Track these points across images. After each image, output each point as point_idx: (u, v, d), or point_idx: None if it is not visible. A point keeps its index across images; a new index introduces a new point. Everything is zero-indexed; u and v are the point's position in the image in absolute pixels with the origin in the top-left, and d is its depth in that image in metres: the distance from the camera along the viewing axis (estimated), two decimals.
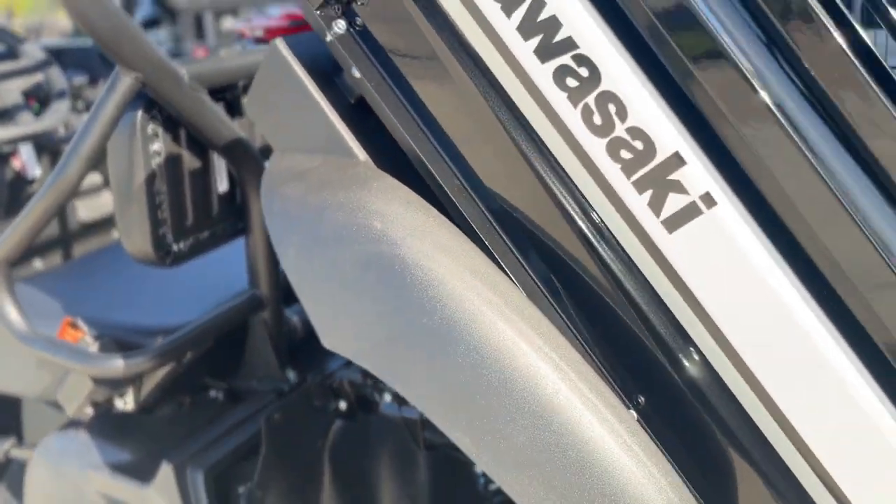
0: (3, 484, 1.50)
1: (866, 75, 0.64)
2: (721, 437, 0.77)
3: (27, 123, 1.77)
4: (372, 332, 0.78)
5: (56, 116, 1.82)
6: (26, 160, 1.91)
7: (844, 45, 0.64)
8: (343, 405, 1.33)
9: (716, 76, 0.66)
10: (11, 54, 1.91)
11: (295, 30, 1.99)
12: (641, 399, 0.79)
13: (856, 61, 0.64)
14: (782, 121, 0.65)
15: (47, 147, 1.95)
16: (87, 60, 2.17)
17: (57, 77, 1.90)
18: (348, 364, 1.35)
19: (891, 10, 0.71)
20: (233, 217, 1.32)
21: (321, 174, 0.82)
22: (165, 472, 1.23)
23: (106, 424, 1.35)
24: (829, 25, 0.64)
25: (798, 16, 0.65)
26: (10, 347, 1.40)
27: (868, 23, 0.74)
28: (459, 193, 0.80)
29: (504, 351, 0.72)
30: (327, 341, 0.81)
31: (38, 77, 1.91)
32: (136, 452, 1.30)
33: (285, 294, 1.35)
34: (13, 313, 1.22)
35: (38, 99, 1.92)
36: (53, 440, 1.37)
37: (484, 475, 1.28)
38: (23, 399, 1.59)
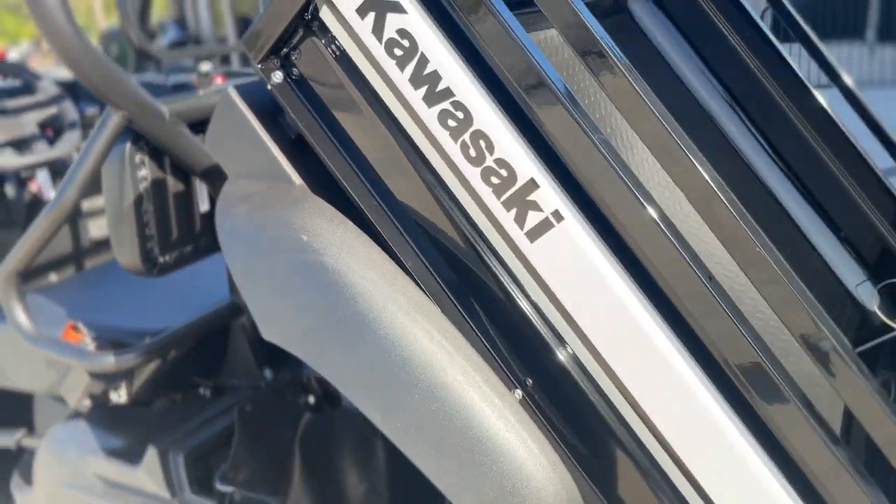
0: (16, 469, 1.69)
1: (658, 113, 0.81)
2: (588, 416, 0.94)
3: (42, 151, 1.98)
4: (299, 325, 0.96)
5: (68, 145, 2.03)
6: (42, 184, 2.12)
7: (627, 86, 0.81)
8: (311, 399, 1.51)
9: (557, 122, 0.84)
10: (29, 89, 2.13)
11: None
12: (529, 382, 0.96)
13: (647, 101, 0.81)
14: (607, 156, 0.82)
15: (61, 172, 2.15)
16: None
17: (69, 109, 2.11)
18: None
19: None
20: (213, 233, 1.51)
21: (264, 196, 1.00)
22: (151, 455, 1.41)
23: (103, 416, 1.54)
24: (618, 67, 0.81)
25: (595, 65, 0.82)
26: (23, 351, 1.60)
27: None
28: (375, 211, 0.97)
29: (402, 338, 0.90)
30: (265, 333, 0.99)
31: (52, 109, 2.13)
32: (127, 439, 1.48)
33: None
34: (23, 318, 1.41)
35: (53, 129, 2.14)
36: (58, 430, 1.56)
37: None
38: (33, 395, 1.78)
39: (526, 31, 0.85)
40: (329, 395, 1.50)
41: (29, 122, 2.06)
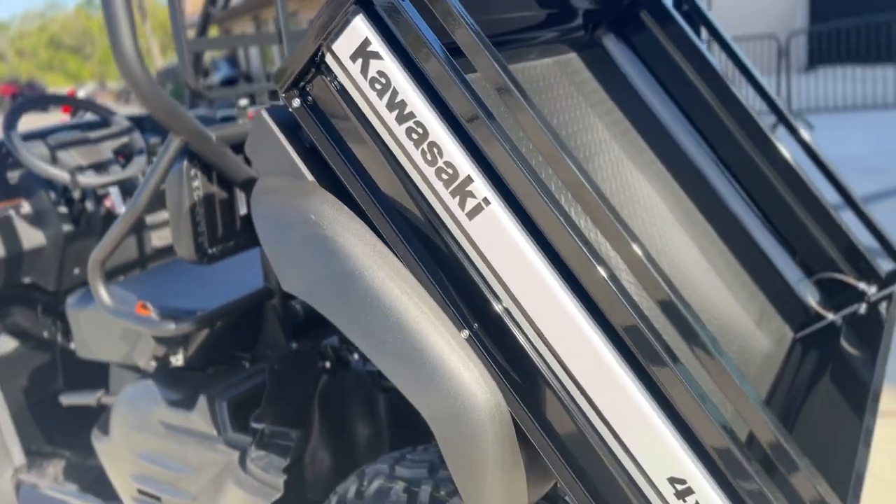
0: (95, 426, 2.08)
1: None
2: (517, 353, 1.28)
3: (116, 173, 2.41)
4: (308, 279, 1.33)
5: (136, 168, 2.46)
6: (115, 200, 2.55)
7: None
8: (327, 364, 1.88)
9: (484, 136, 1.20)
10: (106, 123, 2.58)
11: None
12: (475, 325, 1.31)
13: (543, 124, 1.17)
14: (517, 163, 1.18)
15: (129, 191, 2.58)
16: (159, 126, 2.83)
17: (137, 139, 2.55)
18: (331, 336, 1.90)
19: None
20: (251, 231, 1.90)
21: (285, 188, 1.38)
22: (202, 404, 1.79)
23: (165, 376, 1.93)
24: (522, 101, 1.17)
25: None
26: (102, 328, 2.01)
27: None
28: (363, 197, 1.34)
29: (379, 288, 1.26)
30: (285, 286, 1.36)
31: (124, 139, 2.58)
32: (184, 393, 1.87)
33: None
34: (105, 296, 1.81)
35: (124, 155, 2.58)
36: (130, 388, 1.95)
37: None
38: (110, 363, 2.18)
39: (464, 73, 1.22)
40: (342, 361, 1.87)
41: (106, 149, 2.50)
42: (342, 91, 1.32)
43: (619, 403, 1.19)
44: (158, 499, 1.92)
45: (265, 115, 1.41)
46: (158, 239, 2.69)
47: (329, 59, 1.31)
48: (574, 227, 1.17)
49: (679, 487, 1.17)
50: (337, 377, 1.86)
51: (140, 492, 1.95)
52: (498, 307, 1.28)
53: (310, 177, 1.38)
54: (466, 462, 1.25)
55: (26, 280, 2.53)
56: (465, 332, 1.29)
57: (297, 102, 1.36)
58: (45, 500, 2.30)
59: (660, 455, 1.18)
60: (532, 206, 1.18)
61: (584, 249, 1.15)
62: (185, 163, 1.71)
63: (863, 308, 2.06)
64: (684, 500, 1.17)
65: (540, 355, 1.25)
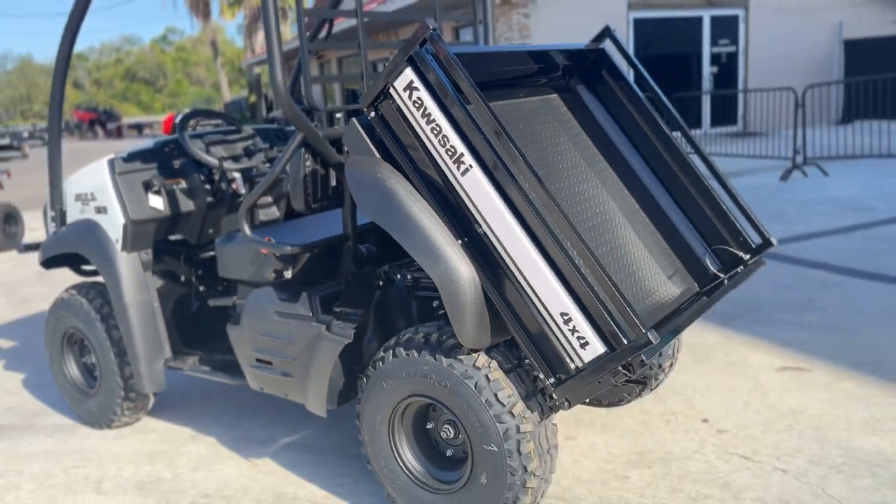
0: (229, 322, 3.21)
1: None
2: (489, 254, 2.35)
3: (244, 163, 3.58)
4: (376, 208, 2.43)
5: (257, 160, 3.63)
6: (238, 182, 3.71)
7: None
8: (380, 282, 2.96)
9: (474, 136, 2.30)
10: (238, 130, 3.77)
11: None
12: (465, 239, 2.39)
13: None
14: (491, 148, 2.27)
15: (249, 178, 3.74)
16: (269, 136, 4.00)
17: (258, 142, 3.73)
18: (383, 265, 3.00)
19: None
20: (337, 196, 3.01)
21: (365, 162, 2.50)
22: (304, 297, 2.89)
23: (280, 285, 3.04)
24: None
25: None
26: (240, 256, 3.12)
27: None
28: (409, 167, 2.44)
29: (413, 213, 2.36)
30: (363, 212, 2.47)
31: (249, 141, 3.76)
32: (291, 294, 2.97)
33: (360, 235, 3.01)
34: (248, 231, 2.94)
35: (247, 153, 3.75)
36: (256, 292, 3.07)
37: (438, 302, 2.85)
38: (244, 281, 3.28)
39: (490, 102, 2.32)
40: (389, 279, 2.95)
41: (238, 147, 3.68)
42: (398, 109, 2.44)
43: (538, 279, 2.25)
44: (270, 363, 3.02)
45: (355, 121, 2.54)
46: (266, 215, 3.84)
47: (391, 90, 2.43)
48: (521, 190, 2.25)
49: (566, 318, 2.23)
50: (386, 289, 2.94)
51: (258, 360, 3.06)
52: (478, 229, 2.36)
53: (377, 155, 2.50)
54: (455, 310, 2.33)
55: (176, 236, 3.71)
56: (460, 241, 2.38)
57: (372, 114, 2.49)
58: (185, 378, 3.39)
59: (556, 301, 2.23)
60: (498, 174, 2.27)
61: (525, 202, 2.23)
62: (302, 150, 2.83)
63: (741, 269, 3.07)
64: (568, 324, 2.22)
65: (498, 252, 2.32)
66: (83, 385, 3.85)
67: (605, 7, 15.11)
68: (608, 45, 3.29)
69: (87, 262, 3.84)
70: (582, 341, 2.22)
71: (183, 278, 3.82)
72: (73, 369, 3.87)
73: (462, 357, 2.42)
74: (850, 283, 5.18)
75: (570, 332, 2.23)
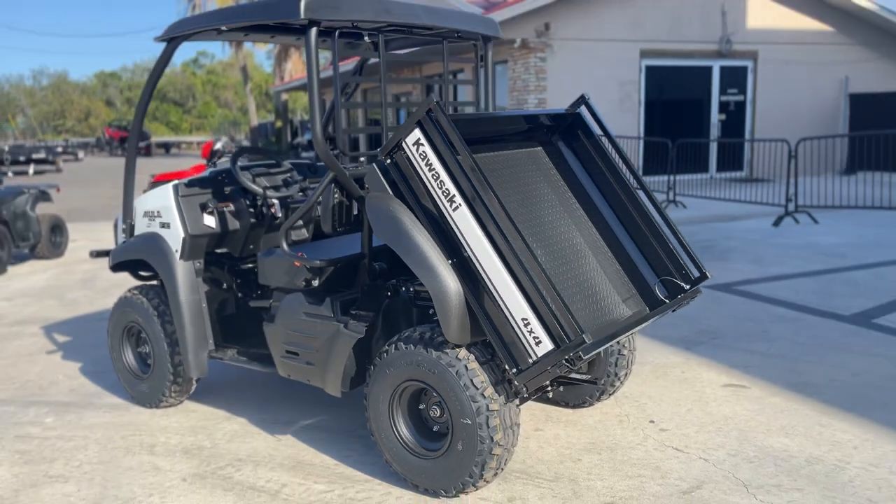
0: (264, 320, 3.95)
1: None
2: (471, 272, 3.09)
3: (283, 192, 4.36)
4: (388, 234, 3.18)
5: (293, 190, 4.41)
6: (277, 207, 4.48)
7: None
8: (388, 293, 3.70)
9: (462, 181, 3.05)
10: (278, 164, 4.57)
11: None
12: (455, 259, 3.14)
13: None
14: (477, 192, 3.03)
15: (285, 205, 4.51)
16: (303, 170, 4.79)
17: (295, 175, 4.52)
18: (392, 279, 3.73)
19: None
20: (357, 223, 3.76)
21: (380, 197, 3.26)
22: (328, 301, 3.63)
23: (308, 292, 3.78)
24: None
25: None
26: (276, 267, 3.89)
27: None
28: (413, 202, 3.19)
29: (413, 238, 3.11)
30: (379, 237, 3.22)
31: (287, 174, 4.55)
32: (318, 298, 3.71)
33: (374, 255, 3.76)
34: (286, 247, 3.69)
35: (285, 184, 4.53)
36: (289, 296, 3.81)
37: (433, 310, 3.59)
38: (279, 287, 4.03)
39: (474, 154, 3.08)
40: (396, 291, 3.69)
41: (278, 179, 4.47)
42: (408, 158, 3.20)
43: (506, 292, 2.99)
44: (297, 353, 3.76)
45: (375, 166, 3.30)
46: (297, 236, 4.60)
47: (403, 144, 3.19)
48: (493, 222, 3.00)
49: (525, 322, 2.95)
50: (393, 298, 3.67)
51: (287, 351, 3.80)
52: (464, 253, 3.10)
53: (390, 192, 3.25)
54: (444, 314, 3.06)
55: (222, 250, 4.48)
56: (450, 261, 3.12)
57: (388, 161, 3.25)
58: (226, 366, 4.13)
59: (519, 309, 2.96)
60: (480, 210, 3.02)
61: (497, 232, 2.98)
62: (333, 185, 3.59)
63: (682, 296, 3.79)
64: (526, 327, 2.95)
65: (478, 271, 3.06)
66: (137, 371, 4.61)
67: (618, 54, 15.98)
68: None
69: (148, 269, 4.62)
70: (536, 340, 2.95)
71: (225, 285, 4.58)
72: (129, 357, 4.63)
73: (448, 350, 3.15)
74: (804, 319, 5.86)
75: (528, 333, 2.96)
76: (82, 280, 8.71)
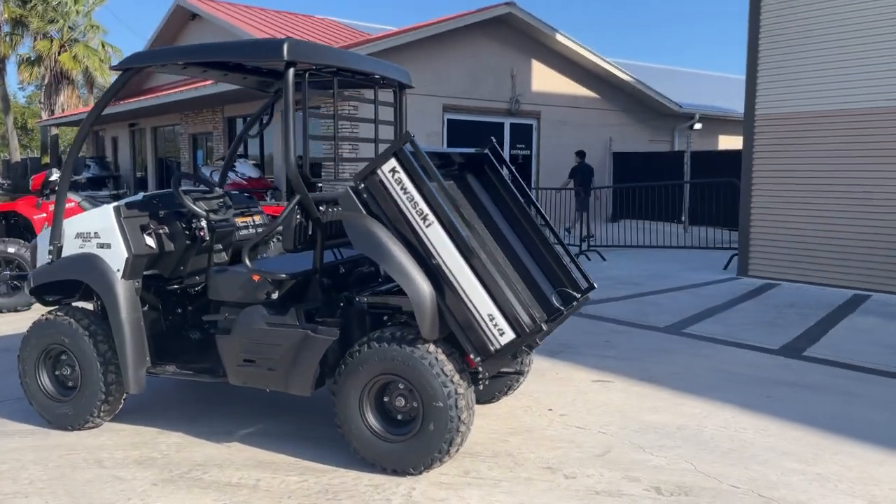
0: (217, 333, 4.21)
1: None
2: (443, 277, 3.71)
3: (222, 215, 4.66)
4: (364, 246, 3.71)
5: (228, 213, 4.72)
6: (206, 231, 4.74)
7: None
8: (342, 304, 4.17)
9: (434, 201, 3.68)
10: (212, 190, 4.85)
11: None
12: (427, 267, 3.74)
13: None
14: (446, 211, 3.67)
15: (212, 228, 4.79)
16: (235, 197, 5.08)
17: (228, 200, 4.83)
18: (343, 292, 4.21)
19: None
20: (312, 241, 4.21)
21: (355, 215, 3.78)
22: (291, 311, 4.02)
23: (267, 305, 4.13)
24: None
25: None
26: (235, 282, 4.20)
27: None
28: (385, 219, 3.76)
29: (390, 251, 3.67)
30: (357, 248, 3.73)
31: (220, 200, 4.85)
32: (278, 309, 4.08)
33: (324, 269, 4.22)
34: (248, 263, 4.03)
35: (220, 207, 4.82)
36: (248, 309, 4.12)
37: (386, 316, 4.13)
38: (240, 302, 4.28)
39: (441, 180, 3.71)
40: (349, 302, 4.17)
41: (214, 203, 4.75)
42: (381, 183, 3.77)
43: (474, 293, 3.65)
44: (253, 361, 4.08)
45: (349, 188, 3.82)
46: (273, 251, 4.88)
47: (378, 171, 3.76)
48: (459, 234, 3.66)
49: (490, 318, 3.63)
50: (347, 307, 4.15)
51: (244, 360, 4.10)
52: (435, 261, 3.72)
53: (364, 211, 3.79)
54: (420, 312, 3.64)
55: (152, 271, 4.66)
56: (423, 268, 3.71)
57: (361, 186, 3.80)
58: (165, 381, 4.28)
59: (484, 306, 3.63)
60: (447, 224, 3.67)
61: (463, 239, 3.64)
62: (296, 207, 4.02)
63: (574, 305, 4.66)
64: (492, 321, 3.62)
65: (449, 277, 3.69)
66: (55, 394, 4.57)
67: (424, 107, 17.25)
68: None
69: (73, 291, 4.64)
70: (500, 331, 3.63)
71: (158, 305, 4.73)
72: (45, 381, 4.58)
73: (420, 345, 3.72)
74: (633, 331, 7.09)
75: (494, 326, 3.63)
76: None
